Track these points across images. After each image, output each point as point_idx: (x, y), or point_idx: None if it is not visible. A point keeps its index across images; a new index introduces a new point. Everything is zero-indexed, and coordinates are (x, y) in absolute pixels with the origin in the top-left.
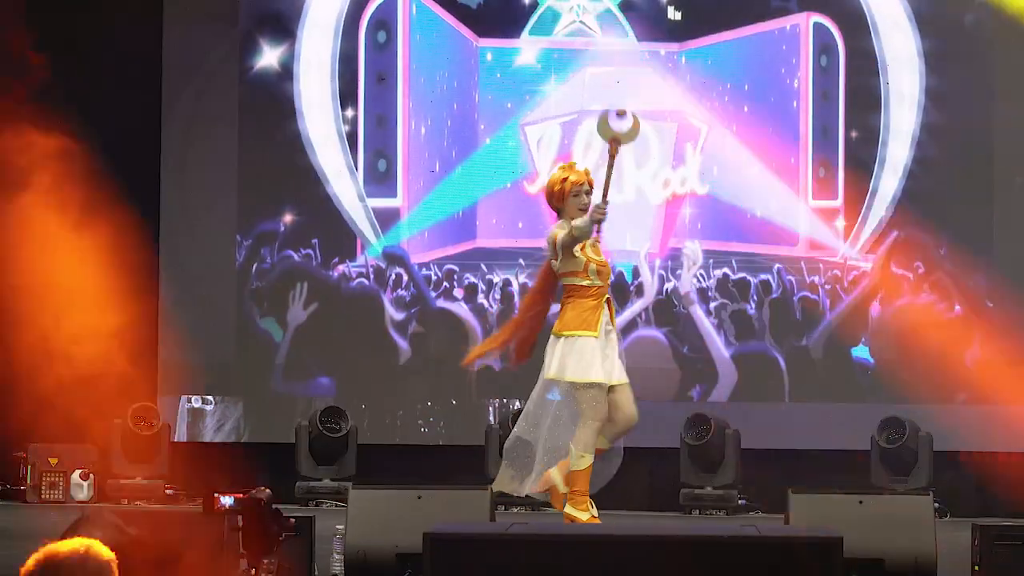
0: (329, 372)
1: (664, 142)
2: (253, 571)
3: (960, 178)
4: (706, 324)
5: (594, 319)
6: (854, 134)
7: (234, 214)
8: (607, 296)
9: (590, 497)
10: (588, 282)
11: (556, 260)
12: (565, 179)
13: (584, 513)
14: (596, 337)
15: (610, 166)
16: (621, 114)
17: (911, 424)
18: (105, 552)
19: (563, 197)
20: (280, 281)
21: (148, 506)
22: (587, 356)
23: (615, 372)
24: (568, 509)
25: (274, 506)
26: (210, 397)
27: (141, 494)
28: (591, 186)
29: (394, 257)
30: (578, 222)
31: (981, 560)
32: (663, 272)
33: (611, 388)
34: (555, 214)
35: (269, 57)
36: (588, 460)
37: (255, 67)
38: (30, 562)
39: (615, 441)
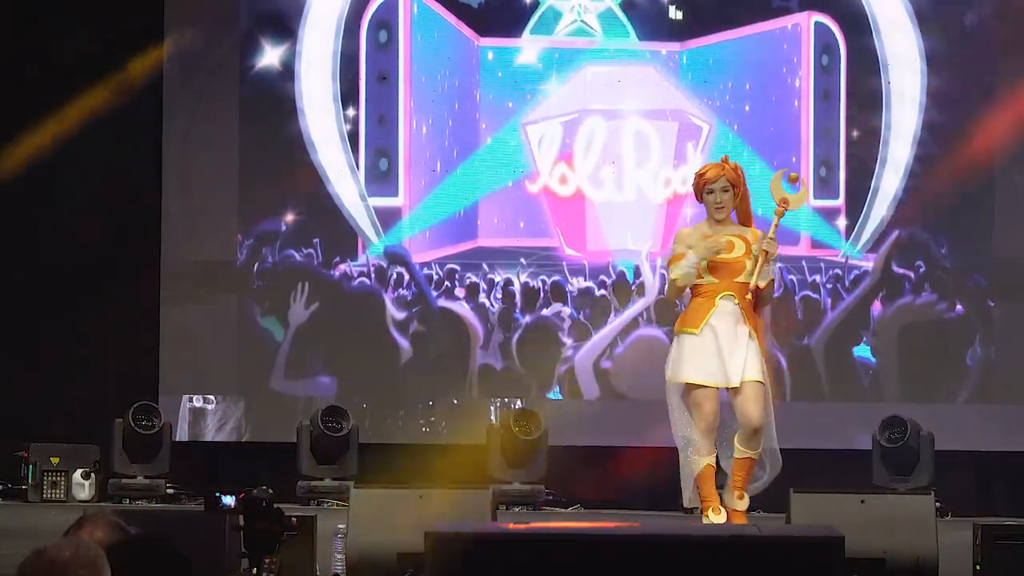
0: (330, 371)
1: (665, 141)
2: (254, 571)
3: (961, 177)
4: None
5: (698, 316)
6: (855, 133)
7: (235, 213)
8: (725, 293)
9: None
10: (702, 280)
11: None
12: (701, 174)
13: (706, 518)
14: (695, 334)
15: (775, 224)
16: (793, 180)
17: (912, 423)
18: (96, 549)
19: (698, 193)
20: (281, 280)
21: (149, 506)
22: (685, 355)
23: (727, 372)
24: (703, 517)
25: (275, 505)
26: (211, 396)
27: (142, 494)
28: (731, 182)
29: (395, 256)
30: (677, 271)
31: (983, 560)
32: (664, 271)
33: (734, 389)
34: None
35: (270, 56)
36: (701, 463)
37: (256, 66)
38: (23, 563)
39: (748, 445)
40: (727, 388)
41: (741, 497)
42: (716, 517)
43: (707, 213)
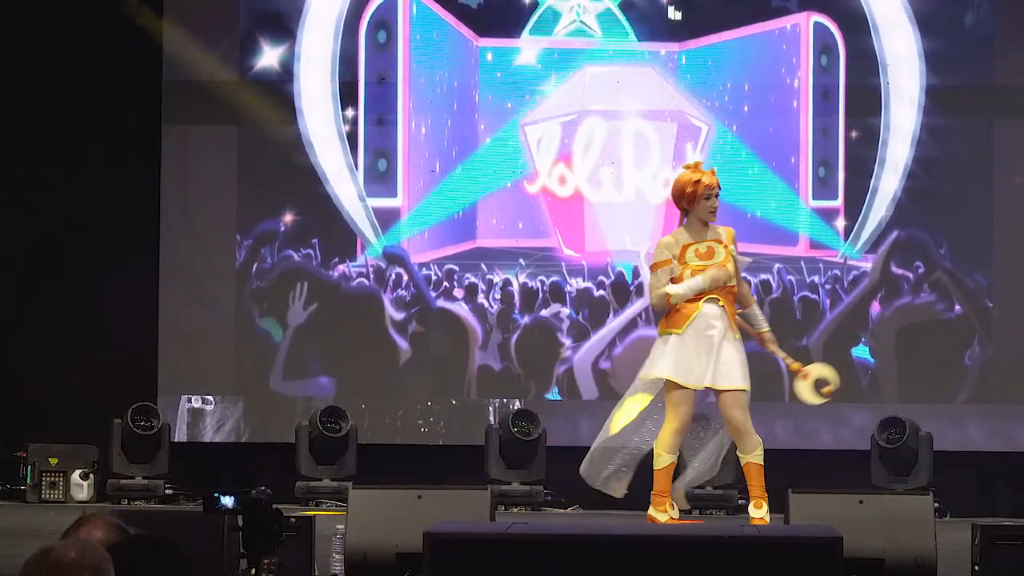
0: (329, 372)
1: (664, 142)
2: (253, 571)
3: (960, 178)
4: None
5: (681, 317)
6: (854, 134)
7: (234, 214)
8: (709, 297)
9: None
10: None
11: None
12: (697, 181)
13: (662, 514)
14: (679, 335)
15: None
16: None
17: (911, 424)
18: (102, 552)
19: (694, 199)
20: (280, 281)
21: (148, 506)
22: (665, 352)
23: (701, 374)
24: (650, 509)
25: (274, 506)
26: (210, 397)
27: (141, 494)
28: (720, 188)
29: (394, 257)
30: (678, 289)
31: (981, 560)
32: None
33: (718, 392)
34: (679, 213)
35: (269, 57)
36: (665, 460)
37: (255, 67)
38: (28, 562)
39: (743, 449)
40: (713, 389)
41: (759, 506)
42: (661, 515)
43: (698, 217)
